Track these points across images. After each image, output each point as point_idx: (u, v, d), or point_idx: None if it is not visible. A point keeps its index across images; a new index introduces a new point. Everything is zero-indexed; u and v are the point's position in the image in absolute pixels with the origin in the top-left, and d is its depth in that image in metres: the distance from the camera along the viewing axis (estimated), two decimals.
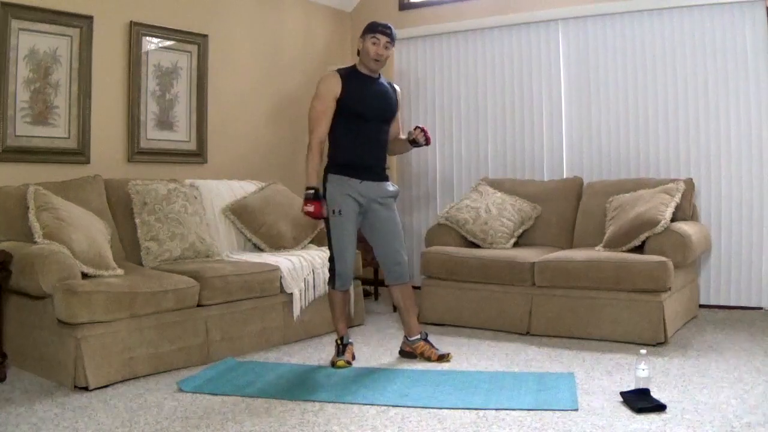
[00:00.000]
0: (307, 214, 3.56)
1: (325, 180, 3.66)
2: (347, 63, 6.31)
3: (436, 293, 4.60)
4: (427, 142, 3.71)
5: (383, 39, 3.57)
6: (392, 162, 6.17)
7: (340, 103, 3.57)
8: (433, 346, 3.71)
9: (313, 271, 4.28)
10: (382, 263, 3.78)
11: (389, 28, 3.61)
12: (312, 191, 3.54)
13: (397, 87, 3.85)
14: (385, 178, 3.75)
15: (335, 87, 3.56)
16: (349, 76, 3.62)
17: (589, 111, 5.40)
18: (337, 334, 3.78)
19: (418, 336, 3.75)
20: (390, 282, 3.79)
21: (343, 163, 3.63)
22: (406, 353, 3.78)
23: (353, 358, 3.72)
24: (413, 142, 3.71)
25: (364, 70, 3.66)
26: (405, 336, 3.81)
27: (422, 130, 3.67)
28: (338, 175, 3.63)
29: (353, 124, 3.60)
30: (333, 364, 3.61)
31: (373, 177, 3.66)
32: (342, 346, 3.72)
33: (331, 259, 3.69)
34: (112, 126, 4.57)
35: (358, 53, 3.66)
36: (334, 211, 3.61)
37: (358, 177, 3.60)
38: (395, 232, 3.73)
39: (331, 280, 3.72)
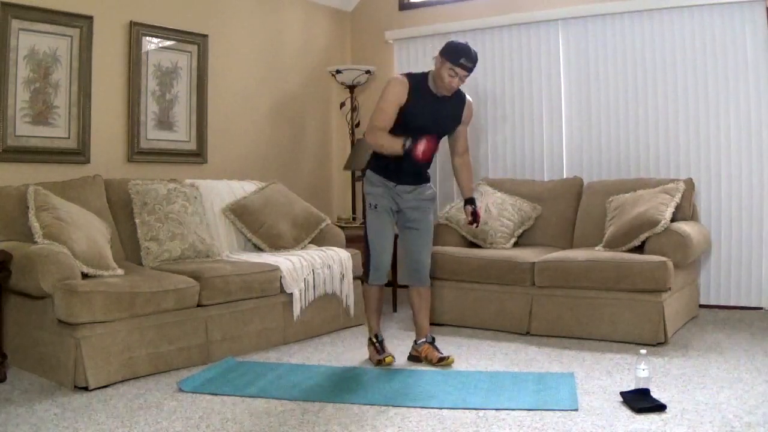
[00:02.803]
0: (426, 152, 3.36)
1: (363, 175, 3.73)
2: (347, 63, 6.39)
3: (436, 293, 4.58)
4: (472, 222, 3.72)
5: (462, 73, 3.42)
6: None
7: (400, 110, 3.50)
8: (436, 349, 3.70)
9: (313, 271, 4.27)
10: (406, 263, 3.77)
11: (473, 62, 3.42)
12: (406, 142, 3.36)
13: (468, 98, 3.71)
14: (423, 181, 3.71)
15: (401, 96, 3.46)
16: (417, 87, 3.50)
17: (589, 111, 5.40)
18: (371, 332, 3.76)
19: (424, 339, 3.76)
20: (410, 283, 3.78)
21: (383, 165, 3.60)
22: (414, 357, 3.76)
23: (393, 357, 3.68)
24: (467, 205, 3.73)
25: (432, 86, 3.53)
26: (414, 341, 3.81)
27: (476, 216, 3.68)
28: (377, 175, 3.64)
29: (404, 132, 3.49)
30: (380, 363, 3.61)
31: (408, 181, 3.64)
32: (379, 344, 3.71)
33: (366, 254, 3.70)
34: (112, 126, 4.57)
35: (435, 60, 3.48)
36: (371, 205, 3.65)
37: (393, 180, 3.60)
38: (425, 236, 3.73)
39: (365, 275, 3.74)
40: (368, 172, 3.69)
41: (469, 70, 3.42)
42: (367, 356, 3.81)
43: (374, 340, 3.73)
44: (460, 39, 5.85)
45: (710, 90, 4.94)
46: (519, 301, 4.34)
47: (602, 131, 5.34)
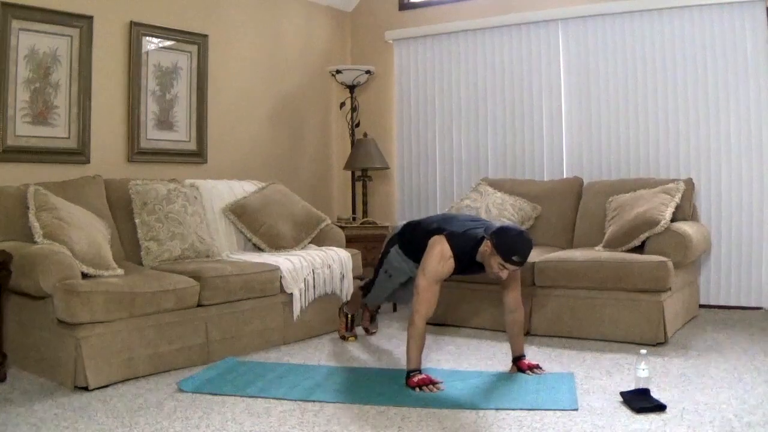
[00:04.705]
0: (420, 381, 3.20)
1: (389, 245, 3.68)
2: (347, 63, 6.38)
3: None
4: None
5: (512, 268, 3.16)
6: (392, 162, 6.18)
7: None
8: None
9: (313, 271, 4.27)
10: None
11: (525, 258, 3.13)
12: (418, 371, 3.24)
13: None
14: None
15: (447, 272, 3.29)
16: (461, 258, 3.27)
17: (589, 111, 5.40)
18: (349, 309, 4.24)
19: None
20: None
21: (413, 251, 3.52)
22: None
23: (356, 337, 4.24)
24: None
25: (478, 258, 3.27)
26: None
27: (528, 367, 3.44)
28: (409, 258, 3.58)
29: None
30: (344, 338, 4.21)
31: None
32: (351, 322, 4.24)
33: (370, 286, 3.95)
34: (112, 126, 4.57)
35: (485, 243, 3.17)
36: (386, 272, 3.72)
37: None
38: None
39: (364, 293, 4.03)
40: (397, 247, 3.61)
41: (521, 265, 3.17)
42: (365, 357, 3.82)
43: (348, 315, 4.23)
44: (460, 39, 5.95)
45: (710, 90, 4.94)
46: None
47: (602, 131, 5.35)
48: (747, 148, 4.85)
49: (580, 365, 3.56)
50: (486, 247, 3.17)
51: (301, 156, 6.06)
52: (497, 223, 3.31)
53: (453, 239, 3.25)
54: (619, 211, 4.44)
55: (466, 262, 3.28)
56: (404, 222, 3.72)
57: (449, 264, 3.25)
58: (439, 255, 3.24)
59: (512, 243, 3.10)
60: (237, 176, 5.18)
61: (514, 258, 3.09)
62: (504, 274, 3.17)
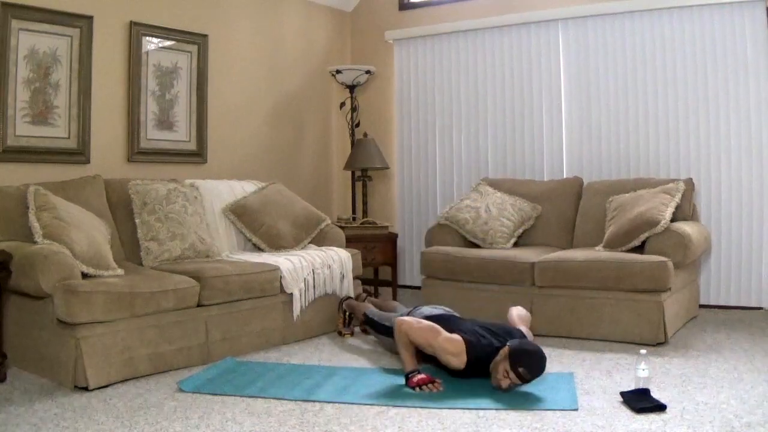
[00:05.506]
0: (420, 381, 3.21)
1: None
2: (347, 63, 6.38)
3: (435, 293, 4.60)
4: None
5: (515, 380, 3.06)
6: (392, 162, 6.18)
7: None
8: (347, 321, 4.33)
9: (313, 271, 4.27)
10: None
11: (532, 377, 3.07)
12: (416, 371, 3.24)
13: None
14: None
15: (445, 362, 3.25)
16: (473, 359, 3.22)
17: (589, 111, 5.40)
18: (349, 309, 4.32)
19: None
20: None
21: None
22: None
23: (352, 334, 4.32)
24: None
25: (492, 367, 3.20)
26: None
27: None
28: None
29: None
30: (340, 334, 4.32)
31: None
32: (349, 320, 4.34)
33: (372, 323, 3.96)
34: (112, 126, 4.57)
35: (503, 350, 3.13)
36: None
37: None
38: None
39: (365, 318, 4.03)
40: None
41: (525, 381, 3.08)
42: (365, 357, 3.83)
43: (347, 312, 4.33)
44: (460, 39, 5.95)
45: (710, 90, 4.94)
46: (519, 301, 4.32)
47: (602, 131, 5.35)
48: (747, 148, 4.85)
49: (580, 365, 3.56)
50: (502, 352, 3.12)
51: (301, 156, 6.06)
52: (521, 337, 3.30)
53: (471, 347, 3.22)
54: (619, 211, 4.44)
55: (473, 367, 3.24)
56: (421, 316, 3.60)
57: (455, 363, 3.21)
58: (458, 349, 3.21)
59: (526, 355, 3.04)
60: (237, 176, 5.19)
61: (520, 369, 3.02)
62: (504, 383, 3.07)
